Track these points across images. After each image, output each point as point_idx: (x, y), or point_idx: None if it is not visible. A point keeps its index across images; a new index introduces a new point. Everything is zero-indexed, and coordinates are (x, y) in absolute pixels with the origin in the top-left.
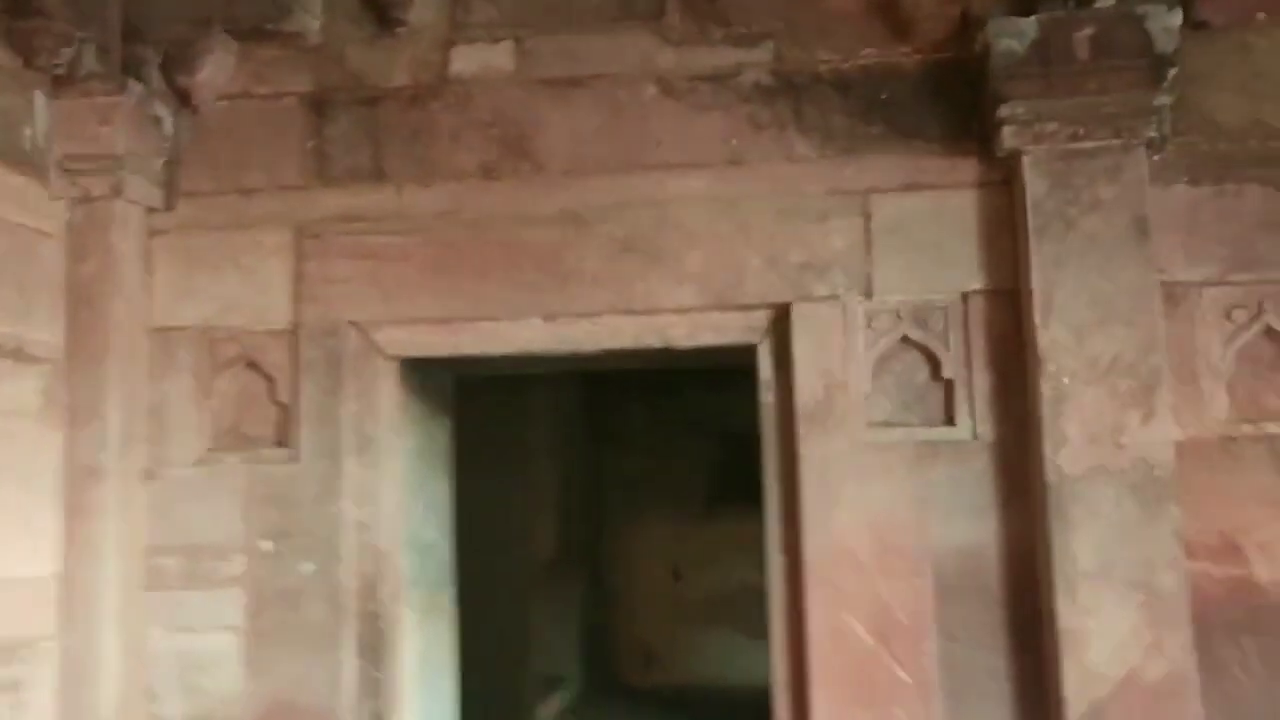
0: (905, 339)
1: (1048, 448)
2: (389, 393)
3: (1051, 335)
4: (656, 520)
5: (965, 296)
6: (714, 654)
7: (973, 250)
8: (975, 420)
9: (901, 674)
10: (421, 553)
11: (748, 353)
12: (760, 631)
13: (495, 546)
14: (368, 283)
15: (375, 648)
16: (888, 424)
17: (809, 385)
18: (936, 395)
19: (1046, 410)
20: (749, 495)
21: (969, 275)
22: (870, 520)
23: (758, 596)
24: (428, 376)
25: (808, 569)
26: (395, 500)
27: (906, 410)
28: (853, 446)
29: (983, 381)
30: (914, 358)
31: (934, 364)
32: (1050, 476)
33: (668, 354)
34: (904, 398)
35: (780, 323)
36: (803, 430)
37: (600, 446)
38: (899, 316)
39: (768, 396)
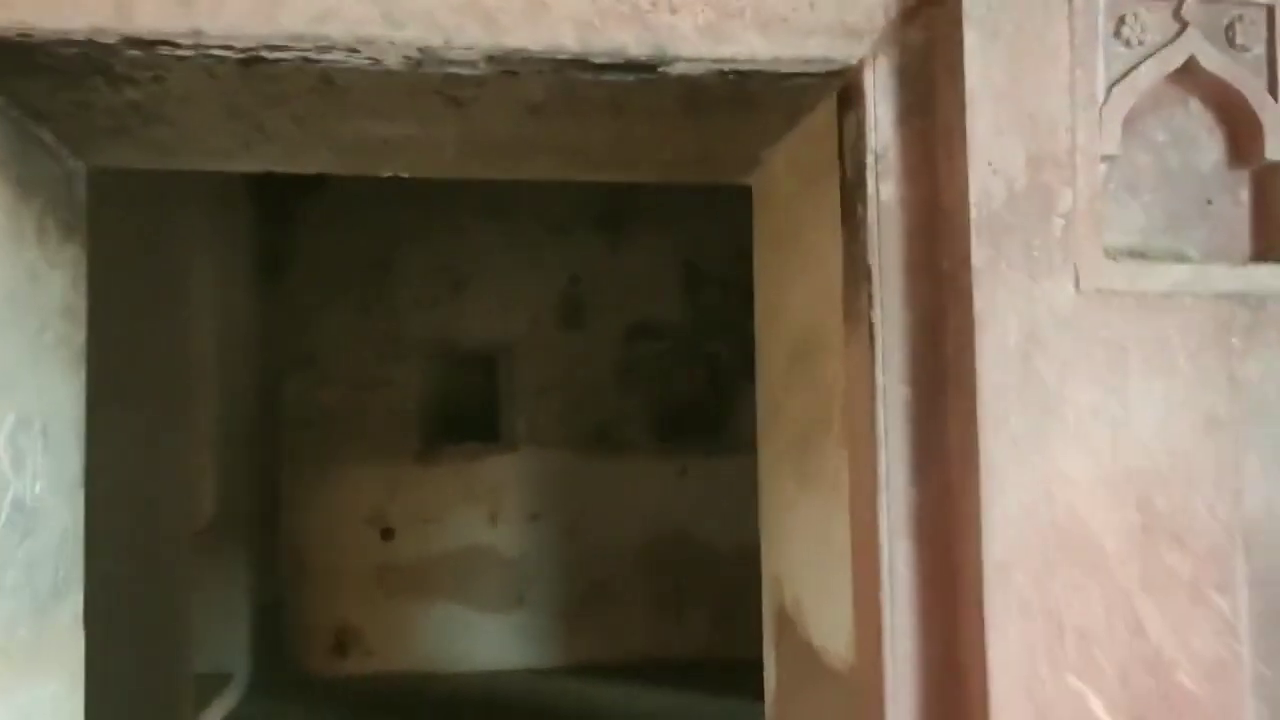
0: (1187, 68)
1: None
2: None
3: None
4: (358, 465)
5: None
6: (431, 633)
7: None
8: None
9: None
10: (20, 530)
11: (825, 87)
12: (492, 603)
13: (136, 507)
14: None
15: None
16: (1141, 255)
17: (993, 159)
18: (1242, 196)
19: None
20: (478, 431)
21: None
22: (1122, 462)
23: (489, 558)
24: (32, 151)
25: (988, 566)
26: None
27: (1177, 230)
28: (1084, 301)
29: None
30: (1198, 113)
31: (1241, 126)
32: None
33: (656, 93)
34: (1176, 200)
35: (918, 18)
36: (978, 259)
37: (282, 371)
38: (1178, 18)
39: (886, 187)
